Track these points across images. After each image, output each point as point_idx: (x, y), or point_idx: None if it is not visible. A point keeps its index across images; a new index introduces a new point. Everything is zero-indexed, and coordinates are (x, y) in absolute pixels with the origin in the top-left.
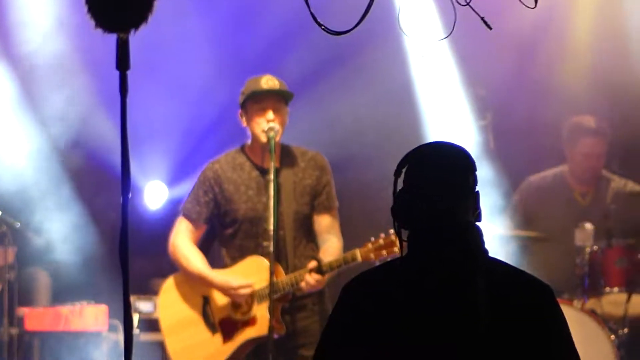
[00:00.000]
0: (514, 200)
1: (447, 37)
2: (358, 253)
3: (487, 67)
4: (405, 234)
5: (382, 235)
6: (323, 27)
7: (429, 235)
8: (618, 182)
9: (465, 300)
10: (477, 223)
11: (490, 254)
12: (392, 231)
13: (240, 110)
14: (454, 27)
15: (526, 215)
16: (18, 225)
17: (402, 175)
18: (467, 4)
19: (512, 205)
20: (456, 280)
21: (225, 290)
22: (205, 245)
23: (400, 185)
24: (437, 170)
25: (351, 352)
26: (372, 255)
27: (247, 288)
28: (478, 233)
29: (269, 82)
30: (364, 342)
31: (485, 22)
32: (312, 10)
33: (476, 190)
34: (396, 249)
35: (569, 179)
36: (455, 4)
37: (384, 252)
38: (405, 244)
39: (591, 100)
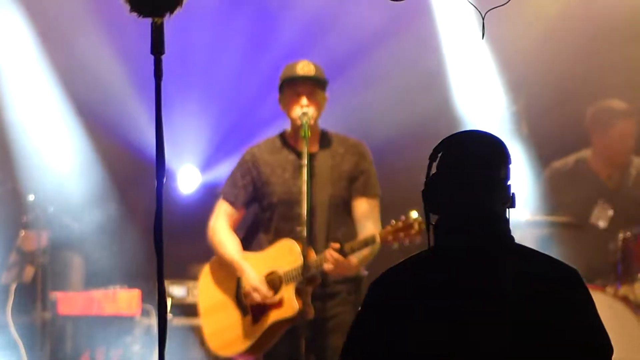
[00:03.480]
0: (540, 187)
1: (504, 4)
2: (377, 235)
3: (519, 52)
4: (433, 219)
5: (402, 217)
6: None
7: (455, 223)
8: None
9: (494, 288)
10: (506, 211)
11: (522, 240)
12: (412, 214)
13: (279, 95)
14: None
15: (554, 201)
16: (51, 209)
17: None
18: None
19: (539, 192)
20: (483, 268)
21: (245, 285)
22: (251, 231)
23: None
24: (471, 159)
25: (380, 346)
26: (390, 237)
27: (260, 295)
28: (504, 220)
29: (304, 67)
30: (392, 336)
31: None
32: None
33: (508, 183)
34: (413, 232)
35: (593, 163)
36: None
37: (402, 235)
38: (432, 230)
39: (620, 86)
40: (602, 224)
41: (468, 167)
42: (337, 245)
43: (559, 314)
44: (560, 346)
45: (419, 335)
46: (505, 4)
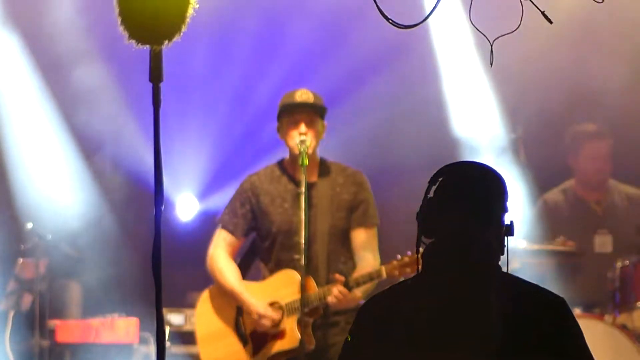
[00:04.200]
0: (534, 217)
1: (513, 31)
2: (383, 269)
3: (517, 79)
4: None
5: (409, 252)
6: (391, 20)
7: (443, 250)
8: (626, 188)
9: (478, 318)
10: (502, 242)
11: (519, 269)
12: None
13: (277, 124)
14: (520, 21)
15: (549, 231)
16: (49, 237)
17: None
18: None
19: (534, 221)
20: (467, 298)
21: (251, 313)
22: (248, 260)
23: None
24: (469, 190)
25: None
26: (396, 272)
27: (269, 320)
28: (493, 251)
29: (302, 95)
30: None
31: (546, 17)
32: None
33: (502, 218)
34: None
35: (579, 190)
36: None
37: (408, 270)
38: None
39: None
40: (608, 249)
41: (465, 197)
42: (342, 279)
43: (544, 343)
44: None
45: None
46: (513, 31)
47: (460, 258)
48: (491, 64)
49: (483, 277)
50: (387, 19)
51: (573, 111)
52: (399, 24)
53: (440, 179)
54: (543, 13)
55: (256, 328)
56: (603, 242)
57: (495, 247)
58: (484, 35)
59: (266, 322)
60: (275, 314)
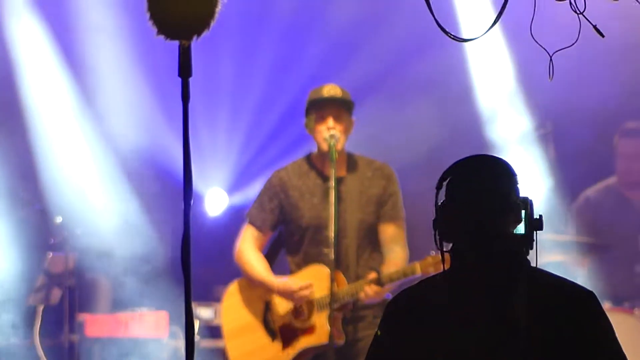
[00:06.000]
0: (572, 215)
1: (572, 45)
2: (418, 266)
3: (545, 75)
4: (447, 246)
5: None
6: (451, 35)
7: (469, 249)
8: None
9: (507, 312)
10: (522, 232)
11: (548, 262)
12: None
13: (305, 119)
14: (578, 35)
15: (587, 228)
16: (79, 231)
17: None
18: (581, 13)
19: (572, 219)
20: (496, 292)
21: (286, 294)
22: (273, 253)
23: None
24: (480, 184)
25: None
26: (431, 270)
27: (308, 289)
28: (519, 244)
29: (330, 90)
30: (404, 355)
31: (597, 30)
32: (435, 18)
33: (518, 202)
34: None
35: (621, 188)
36: (572, 13)
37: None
38: (447, 256)
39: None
40: None
41: (478, 193)
42: (375, 276)
43: (574, 337)
44: None
45: (428, 357)
46: (572, 45)
47: (487, 252)
48: (551, 77)
49: (511, 270)
50: (446, 32)
51: (605, 107)
52: (457, 37)
53: (446, 181)
54: (595, 27)
55: (290, 320)
56: None
57: (519, 238)
58: (544, 48)
59: (305, 292)
60: (309, 282)
